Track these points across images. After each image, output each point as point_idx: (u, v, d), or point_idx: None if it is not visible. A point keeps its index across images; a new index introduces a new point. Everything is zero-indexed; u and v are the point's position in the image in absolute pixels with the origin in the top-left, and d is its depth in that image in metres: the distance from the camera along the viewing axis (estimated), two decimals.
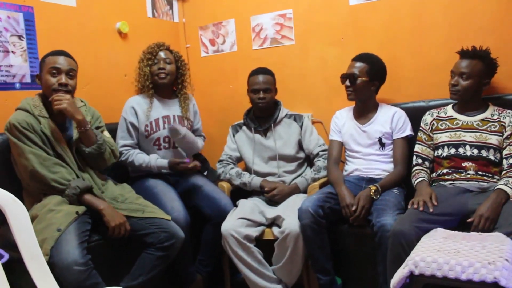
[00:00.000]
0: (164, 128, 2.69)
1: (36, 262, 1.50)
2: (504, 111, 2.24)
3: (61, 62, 2.16)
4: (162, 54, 2.70)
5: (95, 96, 2.72)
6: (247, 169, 2.85)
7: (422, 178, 2.29)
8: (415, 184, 2.30)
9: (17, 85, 2.46)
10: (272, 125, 2.77)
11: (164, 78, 2.68)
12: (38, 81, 2.22)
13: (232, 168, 2.79)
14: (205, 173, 2.84)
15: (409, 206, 2.12)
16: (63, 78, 2.15)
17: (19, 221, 1.49)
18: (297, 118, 2.81)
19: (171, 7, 3.52)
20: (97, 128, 2.34)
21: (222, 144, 2.99)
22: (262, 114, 2.81)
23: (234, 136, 2.89)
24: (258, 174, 2.77)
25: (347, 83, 2.50)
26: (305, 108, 3.06)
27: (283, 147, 2.74)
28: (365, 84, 2.49)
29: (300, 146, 2.79)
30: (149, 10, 3.31)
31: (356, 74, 2.47)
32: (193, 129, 2.87)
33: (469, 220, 1.99)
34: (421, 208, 2.05)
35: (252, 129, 2.81)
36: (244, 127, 2.87)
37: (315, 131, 2.81)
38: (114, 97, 2.92)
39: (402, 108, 2.59)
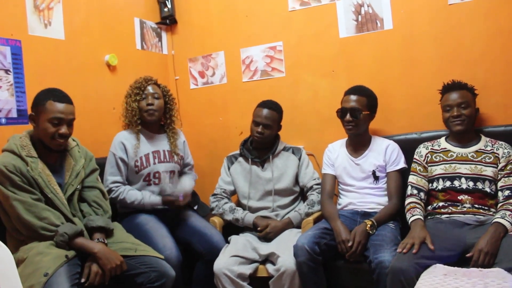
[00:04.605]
0: (154, 163, 2.63)
1: None
2: (497, 142, 2.26)
3: (64, 111, 2.07)
4: (150, 88, 2.65)
5: (83, 130, 2.66)
6: (240, 202, 2.79)
7: (417, 217, 2.21)
8: (409, 222, 2.23)
9: (3, 120, 2.39)
10: (271, 156, 2.73)
11: (153, 115, 2.63)
12: (31, 122, 2.09)
13: (226, 203, 2.73)
14: (195, 207, 2.77)
15: (398, 250, 2.03)
16: (64, 129, 2.07)
17: (4, 267, 1.43)
18: (295, 151, 2.78)
19: (160, 39, 3.51)
20: (92, 172, 2.28)
21: (212, 177, 2.94)
22: (260, 146, 2.76)
23: (229, 168, 2.83)
24: (252, 207, 2.71)
25: (348, 117, 2.46)
26: (296, 140, 3.03)
27: (280, 179, 2.70)
28: (367, 117, 2.49)
29: (297, 180, 2.75)
30: (138, 42, 3.29)
31: (359, 108, 2.45)
32: (184, 163, 2.83)
33: (468, 255, 1.96)
34: (405, 251, 1.99)
35: (249, 160, 2.76)
36: (240, 158, 2.81)
37: (311, 165, 2.78)
38: (102, 130, 2.87)
39: (395, 140, 2.58)
